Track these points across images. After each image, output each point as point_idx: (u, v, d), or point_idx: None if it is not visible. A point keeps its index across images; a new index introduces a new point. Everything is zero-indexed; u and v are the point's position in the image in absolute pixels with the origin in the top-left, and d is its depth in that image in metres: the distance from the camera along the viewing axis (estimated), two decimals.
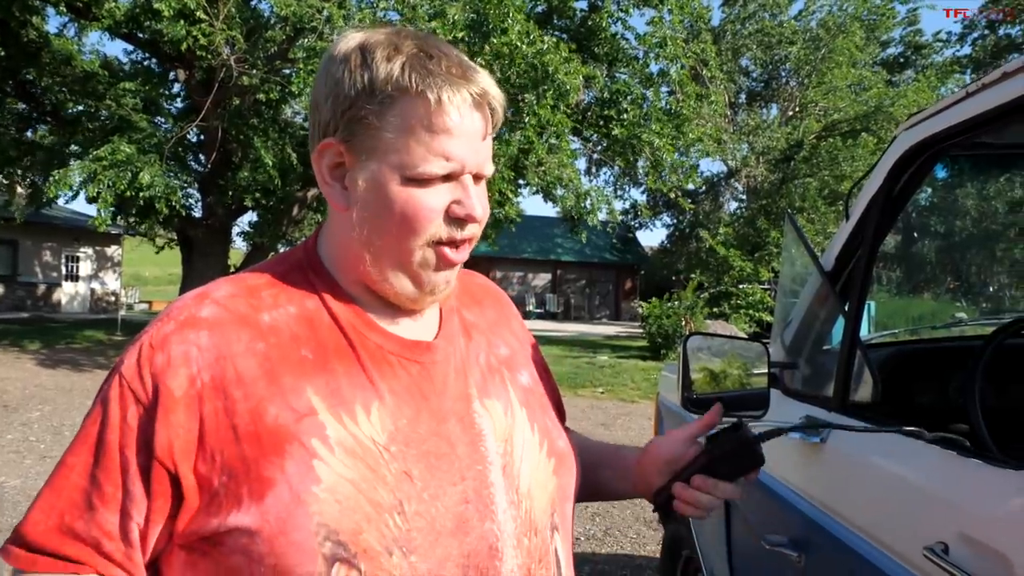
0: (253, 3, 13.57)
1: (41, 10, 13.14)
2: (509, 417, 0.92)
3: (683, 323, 15.68)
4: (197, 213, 15.41)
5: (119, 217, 14.50)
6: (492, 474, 0.86)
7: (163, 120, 14.52)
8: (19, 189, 17.59)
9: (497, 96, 0.85)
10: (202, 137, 14.86)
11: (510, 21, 10.16)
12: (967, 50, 27.83)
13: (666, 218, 33.38)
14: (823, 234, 21.49)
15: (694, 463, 1.01)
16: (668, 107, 13.35)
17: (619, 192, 27.30)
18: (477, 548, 0.82)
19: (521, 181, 13.57)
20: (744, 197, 28.83)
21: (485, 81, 0.84)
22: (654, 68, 13.80)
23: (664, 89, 13.86)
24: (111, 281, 29.08)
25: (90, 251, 27.80)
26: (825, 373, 1.63)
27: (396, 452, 0.81)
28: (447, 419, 0.86)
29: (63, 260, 26.95)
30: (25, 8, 12.25)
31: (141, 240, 21.74)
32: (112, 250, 28.66)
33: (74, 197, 11.74)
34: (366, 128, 0.82)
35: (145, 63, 15.58)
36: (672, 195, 14.17)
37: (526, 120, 10.95)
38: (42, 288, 26.37)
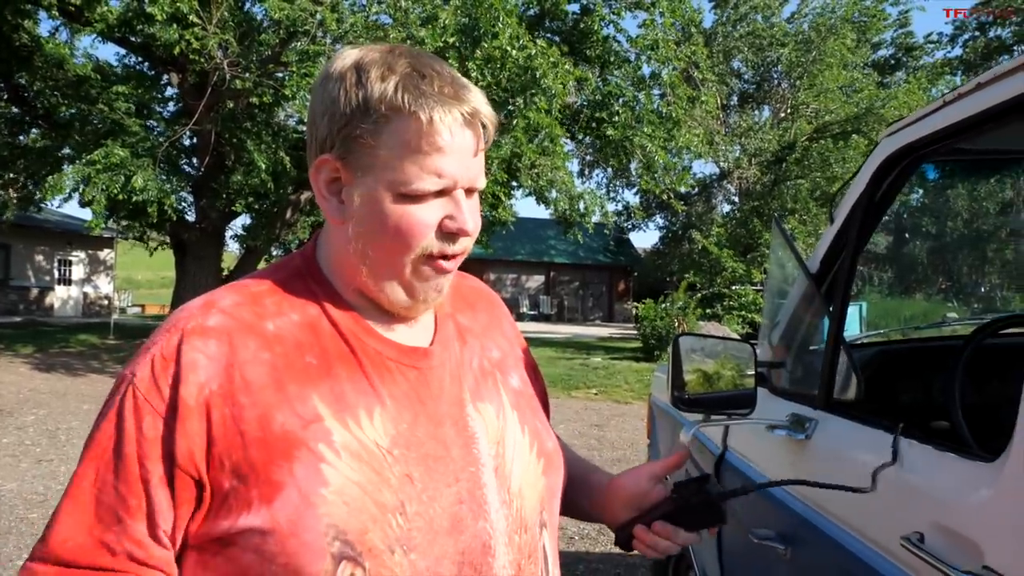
0: (246, 7, 13.57)
1: (33, 14, 13.14)
2: (501, 420, 0.96)
3: (676, 324, 15.74)
4: (190, 216, 15.42)
5: (111, 220, 14.50)
6: (485, 475, 0.90)
7: (156, 124, 14.52)
8: (12, 193, 17.55)
9: (489, 114, 0.87)
10: (195, 141, 14.87)
11: (500, 25, 10.21)
12: (958, 51, 28.02)
13: (659, 220, 33.51)
14: (815, 235, 21.60)
15: (658, 507, 1.04)
16: (659, 109, 13.42)
17: (612, 194, 27.41)
18: (471, 546, 0.86)
19: (514, 184, 13.62)
20: (736, 198, 28.95)
21: (476, 99, 0.86)
22: (646, 70, 13.88)
23: (656, 92, 13.92)
24: (104, 285, 29.01)
25: (83, 255, 27.71)
26: (810, 372, 1.68)
27: (398, 455, 0.84)
28: (443, 423, 0.90)
29: (55, 264, 26.86)
30: (17, 12, 12.25)
31: (134, 244, 21.74)
32: (105, 254, 28.58)
33: (67, 200, 11.73)
34: (361, 146, 0.84)
35: (138, 67, 15.57)
36: (665, 197, 14.24)
37: (515, 123, 11.00)
38: (35, 292, 26.28)
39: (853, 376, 1.53)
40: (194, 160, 15.28)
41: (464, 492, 0.87)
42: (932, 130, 1.36)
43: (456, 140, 0.84)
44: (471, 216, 0.88)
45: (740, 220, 25.94)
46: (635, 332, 19.56)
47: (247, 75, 11.28)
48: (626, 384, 12.60)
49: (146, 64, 15.33)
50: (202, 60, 11.07)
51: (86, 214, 11.75)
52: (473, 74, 10.13)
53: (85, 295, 28.15)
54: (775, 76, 28.60)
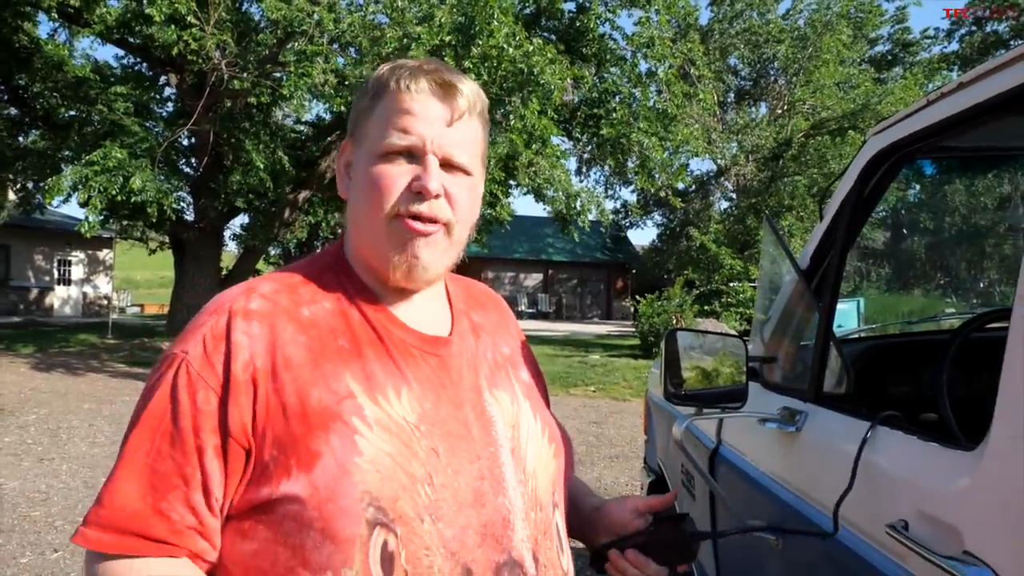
0: (243, 7, 13.59)
1: (32, 16, 13.15)
2: (515, 406, 1.04)
3: (674, 321, 15.78)
4: (189, 216, 15.44)
5: (110, 220, 14.51)
6: (502, 455, 0.97)
7: (154, 124, 14.53)
8: (11, 194, 17.56)
9: (468, 91, 0.98)
10: (193, 141, 14.89)
11: (496, 24, 10.23)
12: (955, 47, 28.04)
13: (657, 217, 33.55)
14: (812, 232, 21.63)
15: (634, 537, 1.11)
16: (656, 106, 13.44)
17: (609, 192, 27.44)
18: (493, 519, 0.92)
19: (512, 182, 13.64)
20: (734, 195, 28.98)
21: (455, 76, 0.98)
22: (642, 67, 13.89)
23: (652, 88, 13.94)
24: (103, 285, 29.02)
25: (82, 255, 27.73)
26: (801, 366, 1.71)
27: (425, 431, 0.91)
28: (462, 406, 0.97)
29: (55, 264, 26.89)
30: (16, 14, 12.26)
31: (133, 243, 21.75)
32: (104, 254, 28.59)
33: (65, 201, 11.75)
34: (359, 124, 0.99)
35: (136, 68, 15.59)
36: (662, 194, 14.27)
37: (512, 123, 11.02)
38: (34, 292, 26.31)
39: (843, 370, 1.56)
40: (193, 160, 15.31)
41: (485, 469, 0.94)
42: (917, 128, 1.39)
43: (424, 104, 0.95)
44: (436, 178, 0.95)
45: (737, 217, 26.00)
46: (633, 329, 19.59)
47: (245, 75, 11.31)
48: (624, 381, 12.64)
49: (144, 65, 15.36)
50: (200, 60, 11.09)
51: (84, 216, 11.74)
52: (469, 72, 10.15)
53: (84, 295, 28.17)
54: (772, 73, 28.63)
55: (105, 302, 28.06)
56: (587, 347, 18.80)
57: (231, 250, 23.73)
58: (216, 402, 0.87)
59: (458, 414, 0.96)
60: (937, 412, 1.46)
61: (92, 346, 16.23)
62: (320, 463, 0.85)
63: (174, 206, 12.64)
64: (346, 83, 10.86)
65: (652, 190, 14.54)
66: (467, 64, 10.11)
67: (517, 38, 10.43)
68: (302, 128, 17.83)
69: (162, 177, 12.35)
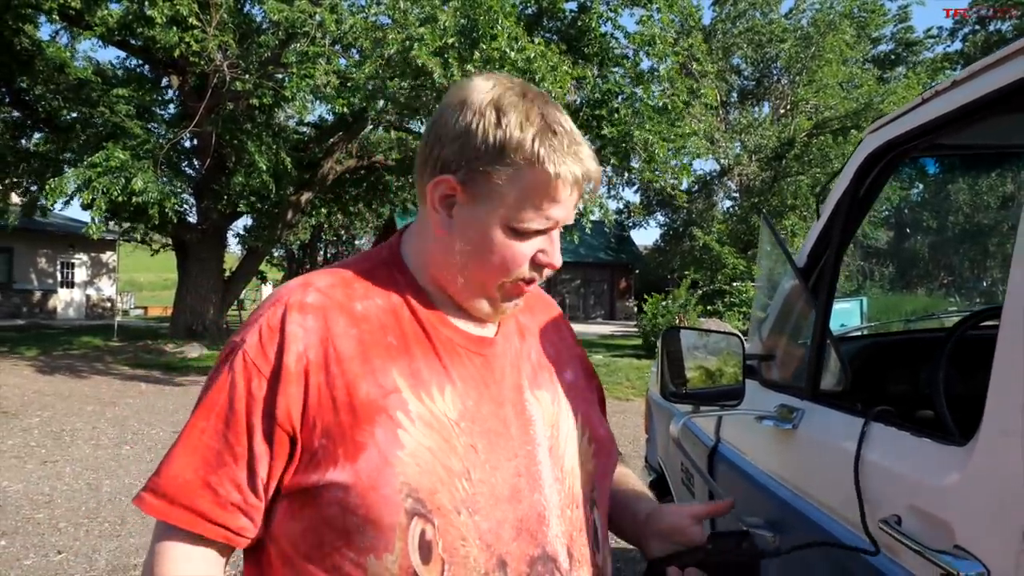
0: (245, 9, 13.62)
1: (34, 18, 13.19)
2: (556, 406, 1.06)
3: (677, 321, 15.77)
4: (192, 218, 15.47)
5: (113, 223, 14.55)
6: (540, 454, 1.00)
7: (157, 126, 14.57)
8: (14, 197, 17.61)
9: (597, 174, 1.00)
10: (196, 142, 14.93)
11: (499, 27, 10.24)
12: (958, 46, 28.00)
13: (660, 217, 33.51)
14: None
15: (694, 553, 1.07)
16: (658, 103, 13.43)
17: (612, 192, 27.41)
18: (528, 515, 0.95)
19: None
20: (737, 195, 28.95)
21: (591, 160, 0.99)
22: (644, 66, 13.89)
23: (655, 87, 13.92)
24: (106, 287, 29.08)
25: (85, 257, 27.78)
26: (798, 364, 1.72)
27: (465, 428, 0.95)
28: (504, 405, 1.00)
29: (58, 267, 26.93)
30: (18, 16, 12.30)
31: (136, 246, 21.79)
32: (107, 256, 28.64)
33: (68, 203, 11.78)
34: (486, 179, 0.94)
35: (138, 70, 15.64)
36: (668, 190, 14.25)
37: None
38: (37, 295, 26.36)
39: (839, 367, 1.56)
40: (195, 162, 15.34)
41: (522, 467, 0.97)
42: (913, 126, 1.40)
43: (569, 191, 0.96)
44: (559, 252, 1.01)
45: (741, 217, 25.96)
46: (636, 329, 19.57)
47: (247, 77, 11.33)
48: (627, 381, 12.64)
49: (146, 67, 15.41)
50: (202, 62, 11.12)
51: (88, 217, 11.79)
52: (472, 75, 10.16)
53: (88, 297, 28.22)
54: (775, 72, 28.59)
55: (108, 304, 28.12)
56: (590, 347, 18.80)
57: (234, 252, 23.76)
58: (267, 388, 0.92)
59: (499, 412, 0.99)
60: (933, 409, 1.46)
61: (96, 348, 16.27)
62: (365, 454, 0.89)
63: (176, 208, 12.67)
64: (348, 84, 10.87)
65: (658, 185, 14.51)
66: (469, 67, 10.12)
67: (519, 42, 10.44)
68: (304, 129, 17.87)
69: (164, 179, 12.39)
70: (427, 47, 9.88)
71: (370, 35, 10.74)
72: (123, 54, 15.64)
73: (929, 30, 30.04)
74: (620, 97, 13.26)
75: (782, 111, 27.65)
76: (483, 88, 0.97)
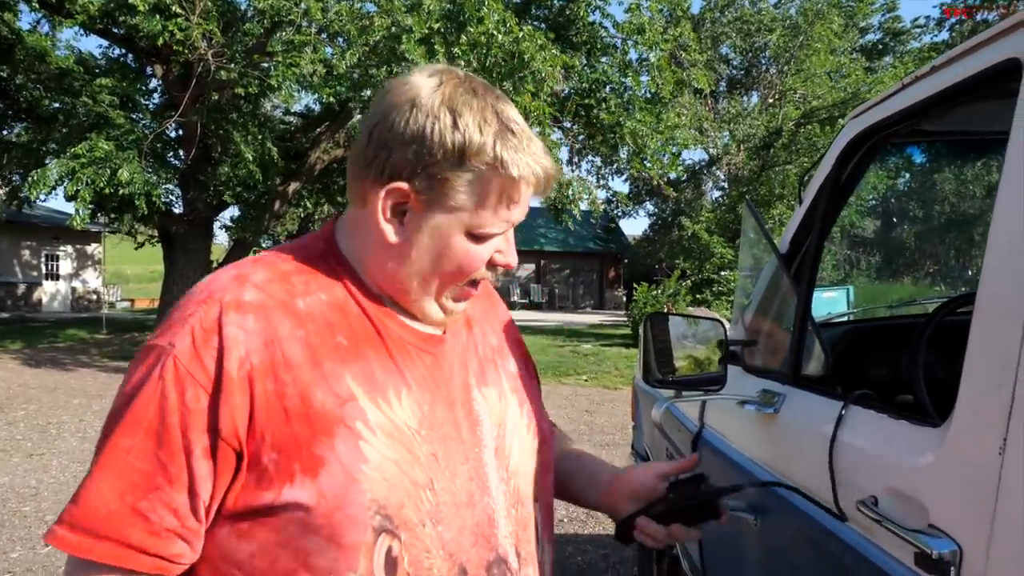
0: None
1: (13, 6, 13.00)
2: (503, 403, 1.03)
3: (665, 310, 15.84)
4: (178, 209, 15.35)
5: (98, 215, 14.43)
6: (486, 455, 0.97)
7: (141, 116, 14.43)
8: None
9: (554, 170, 0.96)
10: (181, 133, 14.78)
11: (486, 10, 10.18)
12: (945, 36, 28.10)
13: (649, 206, 33.57)
14: None
15: (657, 503, 1.13)
16: (647, 93, 13.42)
17: (601, 182, 27.40)
18: (481, 519, 0.93)
19: None
20: (725, 185, 29.03)
21: (545, 156, 0.94)
22: (633, 55, 13.87)
23: (644, 76, 13.91)
24: (92, 279, 28.89)
25: (70, 249, 27.58)
26: (780, 350, 1.73)
27: (425, 435, 0.91)
28: (454, 406, 0.97)
29: (43, 259, 26.73)
30: None
31: (122, 238, 21.64)
32: (93, 248, 28.44)
33: (49, 193, 11.63)
34: (444, 185, 0.88)
35: (121, 59, 15.45)
36: (656, 181, 14.27)
37: None
38: (22, 288, 26.15)
39: (820, 352, 1.58)
40: (180, 152, 15.20)
41: (472, 470, 0.94)
42: (893, 111, 1.41)
43: (528, 194, 0.93)
44: (515, 251, 0.98)
45: (729, 206, 26.06)
46: (625, 319, 19.64)
47: (232, 66, 11.22)
48: (616, 370, 12.69)
49: (129, 56, 15.22)
50: (186, 51, 10.99)
51: (72, 208, 11.67)
52: (459, 60, 10.11)
53: (73, 290, 28.03)
54: (763, 62, 28.66)
55: (95, 297, 27.93)
56: (579, 336, 18.85)
57: (221, 243, 23.61)
58: (207, 401, 0.82)
59: (450, 415, 0.95)
60: (912, 392, 1.47)
61: (82, 341, 16.17)
62: (326, 470, 0.83)
63: (163, 199, 12.55)
64: (334, 73, 10.79)
65: (648, 175, 14.53)
66: (456, 51, 10.07)
67: (507, 25, 10.39)
68: (291, 119, 17.74)
69: (150, 170, 12.27)
70: (414, 34, 9.81)
71: (356, 22, 10.65)
72: (105, 43, 15.47)
73: (916, 20, 30.17)
74: (608, 87, 13.24)
75: (770, 100, 27.73)
76: (431, 86, 0.89)
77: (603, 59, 13.84)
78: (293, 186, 15.26)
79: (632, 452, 3.37)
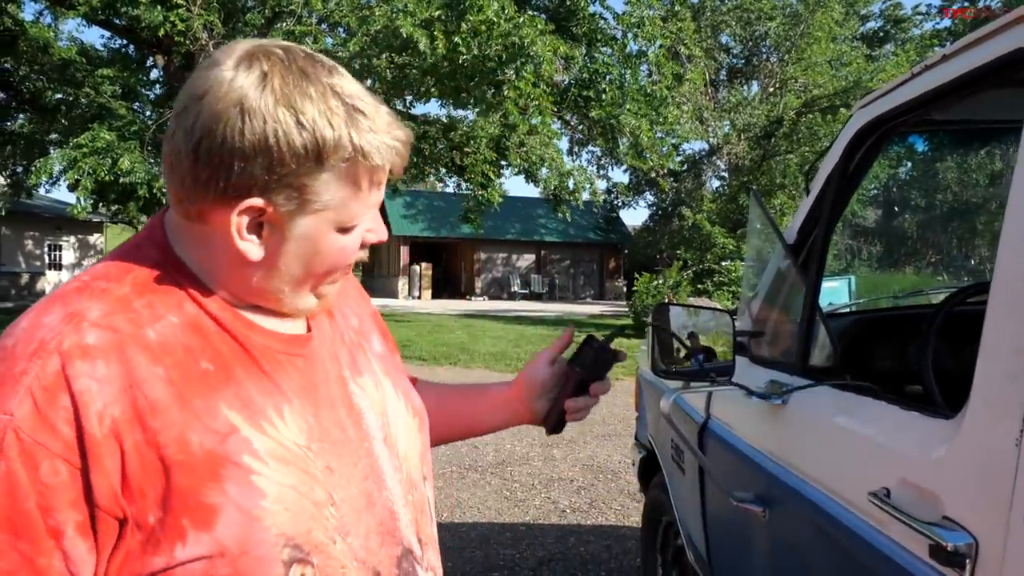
0: None
1: None
2: (380, 391, 0.97)
3: (666, 300, 15.83)
4: None
5: (100, 204, 14.44)
6: (376, 447, 0.92)
7: (142, 106, 14.43)
8: (0, 179, 17.45)
9: (409, 137, 0.85)
10: None
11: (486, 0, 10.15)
12: (947, 23, 27.95)
13: (649, 197, 33.53)
14: None
15: (570, 381, 1.19)
16: (646, 88, 13.39)
17: (601, 172, 27.38)
18: (383, 516, 0.89)
19: (503, 163, 13.60)
20: (726, 174, 28.97)
21: (397, 123, 0.84)
22: (632, 48, 13.82)
23: (643, 69, 13.88)
24: None
25: (72, 239, 27.60)
26: (788, 340, 1.73)
27: (317, 449, 0.83)
28: (336, 406, 0.89)
29: (46, 249, 26.77)
30: None
31: (124, 227, 21.65)
32: (95, 238, 28.47)
33: (53, 183, 11.65)
34: (304, 191, 0.77)
35: (123, 50, 15.43)
36: (653, 174, 14.27)
37: (506, 93, 10.94)
38: (25, 277, 26.19)
39: (828, 343, 1.57)
40: None
41: (366, 468, 0.89)
42: (903, 101, 1.40)
43: (392, 170, 0.84)
44: (382, 223, 0.89)
45: (730, 196, 26.01)
46: (626, 309, 19.65)
47: None
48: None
49: (131, 47, 15.19)
50: (187, 41, 10.98)
51: (75, 198, 11.69)
52: (460, 48, 10.07)
53: None
54: (763, 50, 28.53)
55: None
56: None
57: None
58: (67, 472, 0.69)
59: (334, 416, 0.88)
60: (921, 383, 1.47)
61: None
62: (221, 518, 0.73)
63: (163, 188, 12.56)
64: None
65: (644, 169, 14.52)
66: (457, 39, 10.03)
67: (507, 11, 10.35)
68: None
69: (151, 160, 12.27)
70: (413, 22, 9.78)
71: (356, 12, 10.61)
72: (107, 34, 15.44)
73: (917, 7, 30.01)
74: (608, 78, 13.20)
75: (771, 89, 27.62)
76: (254, 83, 0.75)
77: (603, 49, 13.80)
78: None
79: (635, 443, 3.38)
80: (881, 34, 30.05)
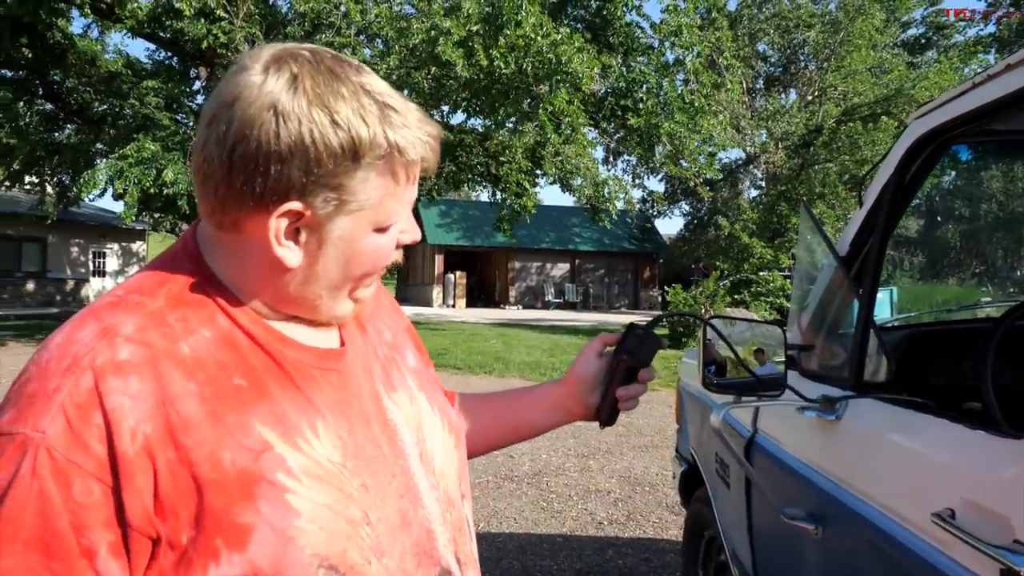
0: (271, 0, 13.69)
1: (66, 12, 13.37)
2: (414, 406, 0.95)
3: (703, 311, 15.69)
4: None
5: (144, 213, 14.77)
6: (412, 464, 0.90)
7: (185, 117, 14.74)
8: (48, 188, 17.94)
9: (438, 131, 0.85)
10: None
11: (524, 14, 10.20)
12: (991, 29, 27.39)
13: (684, 206, 33.32)
14: (844, 220, 21.34)
15: (618, 372, 1.20)
16: (683, 97, 13.33)
17: (636, 181, 27.27)
18: (420, 535, 0.87)
19: (538, 172, 13.62)
20: (763, 183, 28.66)
21: (427, 119, 0.84)
22: (669, 56, 13.77)
23: (680, 78, 13.81)
24: None
25: (116, 247, 28.30)
26: (841, 355, 1.70)
27: (352, 467, 0.82)
28: (370, 422, 0.87)
29: (90, 256, 27.50)
30: (51, 11, 12.48)
31: (166, 235, 22.12)
32: (137, 246, 29.15)
33: (101, 195, 11.99)
34: (342, 191, 0.78)
35: (167, 62, 15.81)
36: (691, 183, 14.18)
37: (541, 109, 10.97)
38: (70, 284, 26.90)
39: (884, 358, 1.54)
40: None
41: (402, 486, 0.87)
42: (962, 112, 1.37)
43: (425, 167, 0.84)
44: (415, 222, 0.89)
45: (767, 205, 25.71)
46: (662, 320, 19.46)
47: None
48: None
49: (175, 59, 15.56)
50: (229, 54, 11.21)
51: (119, 207, 12.01)
52: (497, 62, 10.12)
53: None
54: (802, 58, 28.23)
55: None
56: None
57: None
58: (100, 491, 0.68)
59: (369, 433, 0.86)
60: (981, 401, 1.44)
61: None
62: (255, 537, 0.72)
63: None
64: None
65: (686, 175, 14.43)
66: (495, 54, 10.09)
67: (544, 28, 10.39)
68: None
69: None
70: (452, 37, 9.86)
71: (394, 25, 10.74)
72: (152, 47, 15.85)
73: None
74: (645, 87, 13.17)
75: (810, 98, 27.29)
76: (285, 85, 0.75)
77: (640, 59, 13.77)
78: None
79: (676, 455, 3.34)
80: (923, 41, 29.51)
